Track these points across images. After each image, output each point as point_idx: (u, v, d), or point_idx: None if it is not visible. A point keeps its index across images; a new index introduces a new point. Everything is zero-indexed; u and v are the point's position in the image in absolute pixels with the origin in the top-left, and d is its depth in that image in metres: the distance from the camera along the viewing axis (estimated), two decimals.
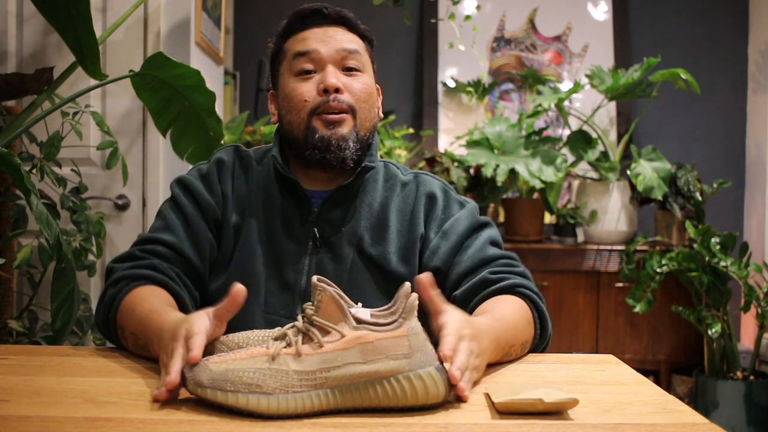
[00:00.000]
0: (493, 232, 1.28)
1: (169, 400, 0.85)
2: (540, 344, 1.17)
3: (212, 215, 1.26)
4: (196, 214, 1.25)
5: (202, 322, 0.90)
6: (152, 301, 1.08)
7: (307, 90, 1.23)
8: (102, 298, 1.16)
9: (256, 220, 1.26)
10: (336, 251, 1.25)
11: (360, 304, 0.86)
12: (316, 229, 1.25)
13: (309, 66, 1.24)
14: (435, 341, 0.87)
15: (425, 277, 0.89)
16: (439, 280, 1.21)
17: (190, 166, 1.84)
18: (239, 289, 0.89)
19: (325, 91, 1.22)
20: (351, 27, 1.29)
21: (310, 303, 0.85)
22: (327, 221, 1.26)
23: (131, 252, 1.21)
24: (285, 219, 1.26)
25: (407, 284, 0.85)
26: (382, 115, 1.34)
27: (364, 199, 1.28)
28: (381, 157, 3.15)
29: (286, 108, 1.26)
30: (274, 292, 1.23)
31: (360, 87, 1.25)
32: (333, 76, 1.22)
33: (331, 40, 1.25)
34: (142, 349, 1.05)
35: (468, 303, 1.17)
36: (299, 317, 0.86)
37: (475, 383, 0.93)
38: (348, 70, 1.25)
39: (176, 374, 0.83)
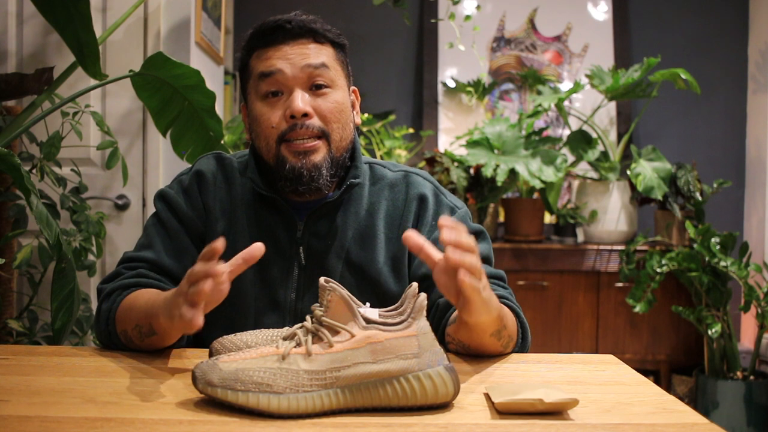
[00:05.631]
0: (484, 247, 1.24)
1: (170, 400, 0.85)
2: (520, 352, 1.17)
3: (195, 229, 1.24)
4: (179, 229, 1.24)
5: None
6: (148, 295, 1.09)
7: (274, 116, 1.17)
8: (98, 315, 1.16)
9: (241, 237, 1.23)
10: (324, 266, 1.22)
11: (368, 304, 0.86)
12: (302, 246, 1.23)
13: (274, 88, 1.18)
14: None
15: (413, 235, 0.89)
16: (426, 287, 1.18)
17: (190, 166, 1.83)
18: (259, 247, 0.91)
19: (292, 116, 1.16)
20: (318, 37, 1.20)
21: (318, 304, 0.85)
22: (313, 234, 1.23)
23: (117, 271, 1.22)
24: (271, 235, 1.23)
25: (414, 284, 0.85)
26: (359, 121, 1.28)
27: (349, 208, 1.24)
28: (380, 157, 3.17)
29: (255, 132, 1.22)
30: (265, 311, 1.22)
31: (330, 107, 1.18)
32: (300, 100, 1.16)
33: (295, 57, 1.17)
34: (146, 336, 1.05)
35: (449, 309, 1.16)
36: (307, 317, 0.86)
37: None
38: (317, 88, 1.18)
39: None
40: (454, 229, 0.87)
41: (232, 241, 1.23)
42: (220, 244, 0.89)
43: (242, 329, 1.18)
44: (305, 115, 1.16)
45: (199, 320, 0.87)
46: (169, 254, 1.22)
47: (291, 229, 1.23)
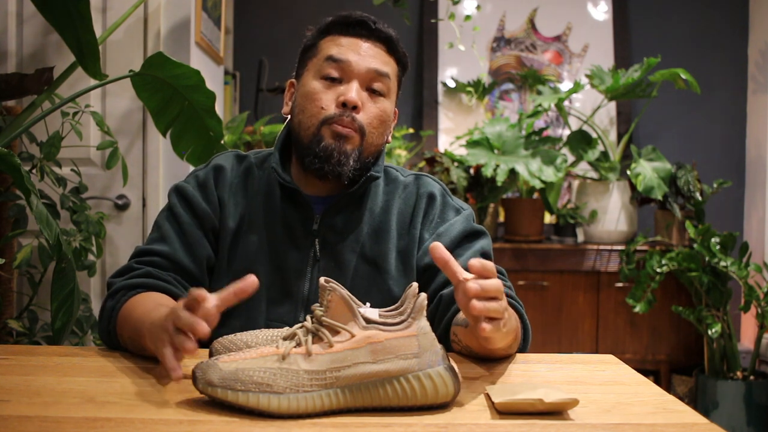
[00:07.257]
0: (485, 244, 1.27)
1: (170, 400, 0.85)
2: (521, 351, 1.18)
3: (209, 223, 1.26)
4: (192, 223, 1.25)
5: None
6: (147, 304, 1.09)
7: (327, 98, 1.22)
8: (102, 311, 1.17)
9: (256, 228, 1.26)
10: (338, 259, 1.25)
11: (368, 304, 0.86)
12: (317, 239, 1.25)
13: (336, 74, 1.23)
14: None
15: (440, 248, 0.88)
16: (428, 277, 1.23)
17: (190, 166, 1.83)
18: (253, 281, 0.86)
19: (344, 104, 1.21)
20: (391, 49, 1.28)
21: (318, 304, 0.86)
22: (329, 228, 1.26)
23: (128, 265, 1.22)
24: (287, 227, 1.26)
25: (415, 284, 0.85)
26: (390, 140, 1.33)
27: (365, 204, 1.28)
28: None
29: (300, 106, 1.25)
30: (277, 300, 1.23)
31: (377, 112, 1.24)
32: (355, 92, 1.21)
33: (366, 57, 1.24)
34: (139, 350, 1.06)
35: (453, 303, 1.17)
36: (308, 317, 0.86)
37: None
38: (373, 92, 1.25)
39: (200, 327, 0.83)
40: (481, 272, 0.86)
41: (246, 233, 1.26)
42: (203, 295, 0.86)
43: (254, 318, 1.21)
44: (355, 107, 1.21)
45: (179, 373, 0.85)
46: (182, 248, 1.23)
47: (307, 221, 1.26)
